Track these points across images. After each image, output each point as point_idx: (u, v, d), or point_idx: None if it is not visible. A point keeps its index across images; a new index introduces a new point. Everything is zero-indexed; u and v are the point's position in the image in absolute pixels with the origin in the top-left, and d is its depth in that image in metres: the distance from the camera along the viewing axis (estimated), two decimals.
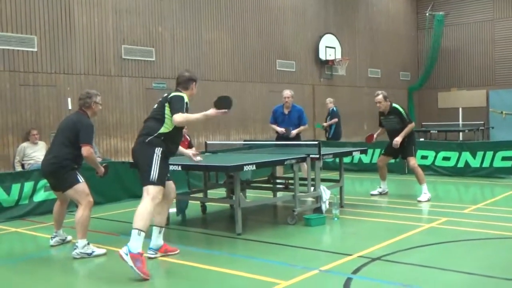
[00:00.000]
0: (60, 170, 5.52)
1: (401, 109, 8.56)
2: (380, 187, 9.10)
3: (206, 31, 13.95)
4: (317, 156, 7.00)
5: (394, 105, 8.63)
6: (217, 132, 14.18)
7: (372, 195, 9.02)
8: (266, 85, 15.61)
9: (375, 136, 9.01)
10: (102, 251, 5.54)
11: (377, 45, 20.47)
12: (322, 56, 17.55)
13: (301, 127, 9.07)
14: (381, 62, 20.61)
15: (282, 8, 16.35)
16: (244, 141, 13.99)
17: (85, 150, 5.46)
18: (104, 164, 5.99)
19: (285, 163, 6.76)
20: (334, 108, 13.97)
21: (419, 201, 8.19)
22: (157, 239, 5.34)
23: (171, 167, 6.43)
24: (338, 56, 17.96)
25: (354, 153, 8.57)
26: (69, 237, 6.17)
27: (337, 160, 8.04)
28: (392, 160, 9.37)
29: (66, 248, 5.89)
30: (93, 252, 5.46)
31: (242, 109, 14.89)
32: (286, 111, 9.12)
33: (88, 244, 5.50)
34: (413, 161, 8.48)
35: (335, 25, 18.42)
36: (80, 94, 5.90)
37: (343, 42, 18.45)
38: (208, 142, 8.44)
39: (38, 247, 6.11)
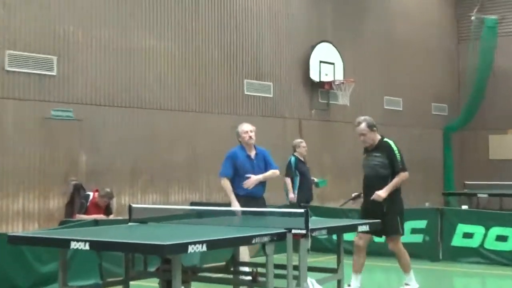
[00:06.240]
0: None
1: (394, 146, 8.78)
2: (350, 285, 8.87)
3: (141, 35, 13.97)
4: (304, 231, 6.88)
5: (386, 139, 8.90)
6: (150, 189, 13.99)
7: None
8: (228, 117, 15.56)
9: (353, 196, 9.38)
10: None
11: (398, 61, 20.76)
12: (314, 75, 17.65)
13: (270, 172, 9.56)
14: (404, 87, 20.84)
15: (256, 6, 16.56)
16: (191, 204, 13.78)
17: None
18: None
19: (253, 241, 6.61)
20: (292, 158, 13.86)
21: None
22: None
23: (74, 244, 6.22)
24: (339, 76, 18.16)
25: (360, 228, 8.49)
26: None
27: (335, 237, 7.97)
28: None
29: None
30: None
31: (191, 154, 14.75)
32: (252, 155, 9.56)
33: None
34: (394, 243, 8.73)
35: (334, 30, 18.67)
36: None
37: (346, 55, 18.57)
38: (133, 205, 8.20)
39: None
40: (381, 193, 8.47)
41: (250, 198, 9.34)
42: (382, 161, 8.63)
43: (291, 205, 12.93)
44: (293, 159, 13.50)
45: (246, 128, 9.53)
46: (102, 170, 12.84)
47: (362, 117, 8.97)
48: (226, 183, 9.59)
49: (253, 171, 9.46)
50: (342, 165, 18.72)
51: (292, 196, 13.19)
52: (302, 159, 13.59)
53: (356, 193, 9.37)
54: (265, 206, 9.60)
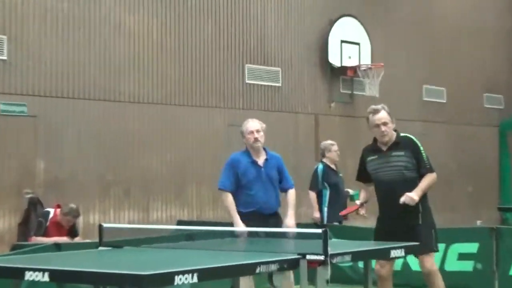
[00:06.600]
0: None
1: (418, 142, 8.84)
2: None
3: (112, 8, 13.99)
4: (322, 257, 6.90)
5: (405, 134, 8.96)
6: (125, 204, 13.99)
7: None
8: (225, 112, 15.68)
9: (358, 203, 9.33)
10: None
11: (440, 42, 20.90)
12: (334, 59, 17.75)
13: (290, 195, 9.52)
14: (448, 74, 21.04)
15: None
16: (178, 222, 13.81)
17: None
18: None
19: (258, 270, 6.63)
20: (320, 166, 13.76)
21: None
22: None
23: (30, 275, 6.23)
24: (366, 60, 18.21)
25: (393, 253, 8.51)
26: None
27: (361, 265, 7.96)
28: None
29: None
30: None
31: (177, 160, 14.74)
32: (260, 161, 9.29)
33: None
34: (432, 262, 8.70)
35: (359, 1, 18.77)
36: None
37: (375, 33, 18.81)
38: (104, 225, 8.23)
39: None
40: (414, 196, 8.41)
41: (257, 215, 9.16)
42: (410, 161, 8.64)
43: (316, 226, 12.70)
44: (320, 167, 13.37)
45: (252, 127, 9.30)
46: (64, 180, 12.88)
47: (379, 105, 8.90)
48: (226, 198, 9.38)
49: (261, 180, 9.29)
50: None
51: (318, 215, 13.14)
52: (333, 167, 13.42)
53: (361, 201, 9.37)
54: (280, 226, 9.41)
